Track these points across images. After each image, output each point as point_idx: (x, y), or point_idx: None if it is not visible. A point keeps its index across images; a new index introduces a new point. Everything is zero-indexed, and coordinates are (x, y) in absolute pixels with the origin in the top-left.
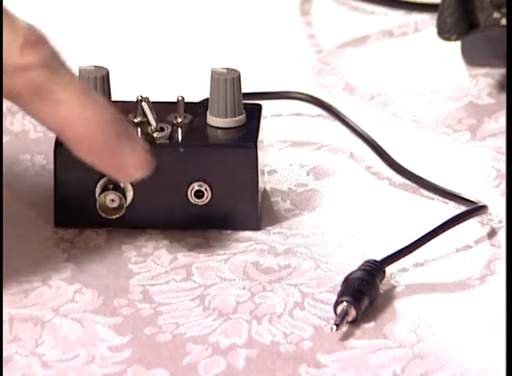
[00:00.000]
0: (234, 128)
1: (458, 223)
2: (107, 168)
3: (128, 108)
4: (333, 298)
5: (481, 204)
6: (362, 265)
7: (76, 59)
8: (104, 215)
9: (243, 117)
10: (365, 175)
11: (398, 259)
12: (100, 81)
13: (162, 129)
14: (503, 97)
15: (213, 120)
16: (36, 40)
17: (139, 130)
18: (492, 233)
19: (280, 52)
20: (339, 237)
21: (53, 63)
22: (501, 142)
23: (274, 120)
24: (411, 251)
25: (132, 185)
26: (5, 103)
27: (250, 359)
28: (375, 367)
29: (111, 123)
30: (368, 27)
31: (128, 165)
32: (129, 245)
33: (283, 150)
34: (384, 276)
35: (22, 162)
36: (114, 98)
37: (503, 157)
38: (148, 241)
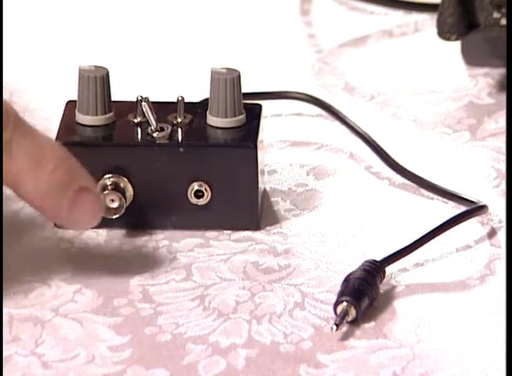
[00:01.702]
0: (234, 128)
1: (458, 223)
2: (58, 221)
3: (128, 108)
4: (333, 298)
5: (481, 204)
6: (362, 265)
7: (76, 59)
8: (104, 215)
9: (243, 117)
10: (365, 175)
11: (398, 259)
12: (100, 81)
13: (162, 129)
14: (503, 97)
15: (213, 120)
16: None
17: (139, 130)
18: (492, 233)
19: (280, 52)
20: (339, 237)
21: (14, 116)
22: (501, 142)
23: (274, 120)
24: (411, 251)
25: (132, 185)
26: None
27: (250, 359)
28: (375, 367)
29: (62, 187)
30: (368, 27)
31: (79, 221)
32: (129, 245)
33: (283, 150)
34: (384, 276)
35: None
36: (114, 98)
37: (503, 157)
38: (148, 241)
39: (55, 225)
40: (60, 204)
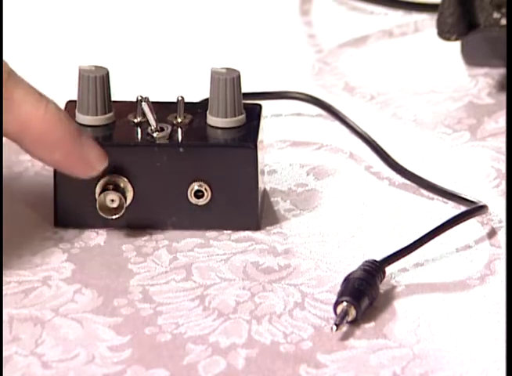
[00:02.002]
0: (234, 128)
1: (458, 223)
2: (69, 162)
3: (128, 108)
4: (333, 298)
5: (481, 204)
6: (362, 265)
7: (76, 59)
8: (104, 215)
9: (243, 117)
10: (365, 175)
11: (398, 259)
12: (100, 81)
13: (162, 129)
14: (503, 97)
15: (213, 120)
16: None
17: (139, 130)
18: (492, 233)
19: (280, 52)
20: (339, 237)
21: (6, 66)
22: (501, 142)
23: (274, 120)
24: (411, 251)
25: (132, 185)
26: None
27: (250, 359)
28: (375, 367)
29: (67, 119)
30: (368, 27)
31: (90, 157)
32: (129, 245)
33: (283, 150)
34: (384, 276)
35: (22, 162)
36: (114, 98)
37: (503, 157)
38: (148, 241)
39: (55, 225)
40: (76, 144)
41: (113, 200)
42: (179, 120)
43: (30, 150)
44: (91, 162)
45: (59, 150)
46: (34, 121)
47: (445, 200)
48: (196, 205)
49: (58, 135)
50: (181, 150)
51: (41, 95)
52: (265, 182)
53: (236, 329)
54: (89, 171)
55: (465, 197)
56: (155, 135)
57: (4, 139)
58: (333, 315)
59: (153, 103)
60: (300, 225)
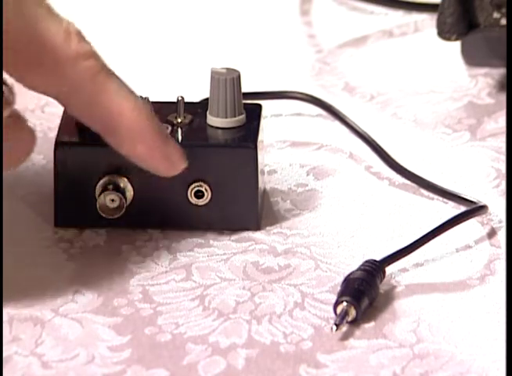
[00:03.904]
0: (234, 128)
1: (458, 223)
2: (152, 157)
3: None
4: (333, 298)
5: (481, 204)
6: (362, 265)
7: None
8: (104, 215)
9: (243, 117)
10: (365, 175)
11: (398, 259)
12: None
13: None
14: (503, 97)
15: (213, 120)
16: (80, 31)
17: None
18: (492, 233)
19: (280, 52)
20: (339, 237)
21: (99, 59)
22: (501, 142)
23: (274, 120)
24: (411, 251)
25: (132, 185)
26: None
27: (250, 359)
28: (375, 367)
29: (154, 116)
30: (368, 27)
31: (172, 155)
32: (129, 245)
33: (283, 150)
34: (384, 276)
35: None
36: None
37: (503, 157)
38: (148, 241)
39: (55, 225)
40: (161, 141)
41: (113, 200)
42: (179, 120)
43: (116, 141)
44: (173, 160)
45: (144, 144)
46: (125, 113)
47: (445, 200)
48: (196, 205)
49: (145, 129)
50: None
51: (130, 89)
52: (265, 182)
53: (236, 329)
54: (170, 170)
55: (465, 197)
56: None
57: None
58: (333, 315)
59: (153, 102)
60: (300, 226)
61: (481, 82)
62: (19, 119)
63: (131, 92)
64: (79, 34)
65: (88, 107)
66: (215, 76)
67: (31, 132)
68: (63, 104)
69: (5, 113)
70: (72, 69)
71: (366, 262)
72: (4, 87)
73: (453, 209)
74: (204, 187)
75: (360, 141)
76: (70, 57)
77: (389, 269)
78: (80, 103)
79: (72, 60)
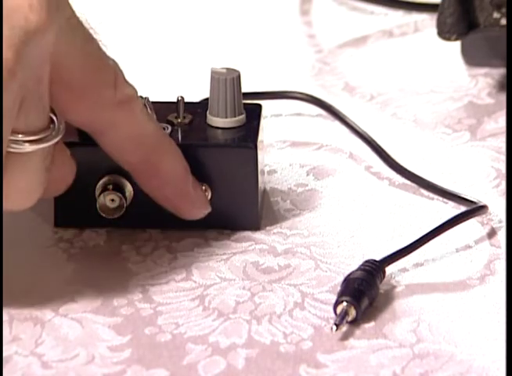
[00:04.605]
0: (234, 128)
1: (458, 223)
2: (182, 203)
3: None
4: (333, 298)
5: (481, 204)
6: (362, 265)
7: None
8: (104, 215)
9: (243, 117)
10: (365, 175)
11: (398, 259)
12: None
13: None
14: (503, 97)
15: (213, 120)
16: (123, 74)
17: None
18: (492, 233)
19: (280, 52)
20: (339, 237)
21: (138, 95)
22: (501, 142)
23: (274, 120)
24: (411, 251)
25: (132, 185)
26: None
27: (250, 359)
28: (375, 367)
29: (187, 167)
30: (368, 27)
31: (200, 201)
32: (129, 245)
33: (283, 150)
34: (384, 276)
35: None
36: None
37: (503, 157)
38: (148, 241)
39: (55, 225)
40: (188, 183)
41: (113, 200)
42: (179, 120)
43: (143, 179)
44: (198, 206)
45: (174, 189)
46: (162, 157)
47: (445, 200)
48: None
49: (178, 174)
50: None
51: (167, 135)
52: (265, 182)
53: (236, 329)
54: (193, 214)
55: (465, 197)
56: None
57: None
58: (333, 315)
59: (153, 102)
60: (300, 226)
61: (481, 82)
62: (62, 148)
63: (168, 140)
64: (124, 78)
65: (123, 145)
66: (215, 76)
67: (72, 165)
68: (97, 140)
69: (54, 141)
70: (114, 112)
71: (366, 262)
72: (54, 115)
73: (453, 209)
74: (204, 187)
75: (360, 141)
76: (115, 102)
77: (389, 269)
78: (113, 142)
79: (116, 105)
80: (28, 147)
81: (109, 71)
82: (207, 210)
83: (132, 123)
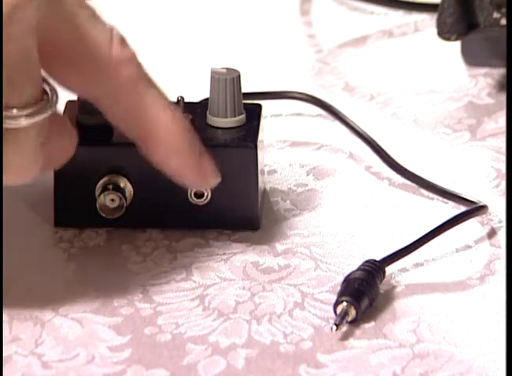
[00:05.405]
0: (234, 128)
1: (458, 223)
2: (189, 173)
3: None
4: (333, 298)
5: (481, 204)
6: (362, 265)
7: None
8: (104, 215)
9: (243, 117)
10: (365, 175)
11: (398, 259)
12: None
13: None
14: (503, 97)
15: (213, 120)
16: (123, 36)
17: None
18: (492, 233)
19: (280, 52)
20: (339, 237)
21: (140, 60)
22: (501, 142)
23: (274, 120)
24: (411, 251)
25: (132, 185)
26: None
27: (250, 359)
28: (375, 367)
29: (191, 130)
30: (368, 27)
31: (208, 170)
32: (129, 245)
33: (283, 150)
34: (384, 276)
35: None
36: None
37: (503, 157)
38: (148, 241)
39: (55, 225)
40: (194, 155)
41: (113, 200)
42: None
43: (150, 150)
44: (206, 175)
45: (180, 158)
46: (164, 124)
47: (445, 200)
48: (196, 205)
49: (182, 143)
50: None
51: (169, 99)
52: (265, 182)
53: (236, 329)
54: (201, 184)
55: (465, 197)
56: None
57: None
58: (333, 315)
59: None
60: (300, 225)
61: (481, 82)
62: (60, 120)
63: (169, 104)
64: (122, 40)
65: (126, 114)
66: (215, 76)
67: (73, 134)
68: (100, 108)
69: (49, 114)
70: (112, 74)
71: (366, 261)
72: (47, 86)
73: (453, 209)
74: None
75: (360, 141)
76: (112, 62)
77: (389, 269)
78: (118, 109)
79: (113, 65)
80: (23, 121)
81: (102, 32)
82: (216, 180)
83: (133, 90)
